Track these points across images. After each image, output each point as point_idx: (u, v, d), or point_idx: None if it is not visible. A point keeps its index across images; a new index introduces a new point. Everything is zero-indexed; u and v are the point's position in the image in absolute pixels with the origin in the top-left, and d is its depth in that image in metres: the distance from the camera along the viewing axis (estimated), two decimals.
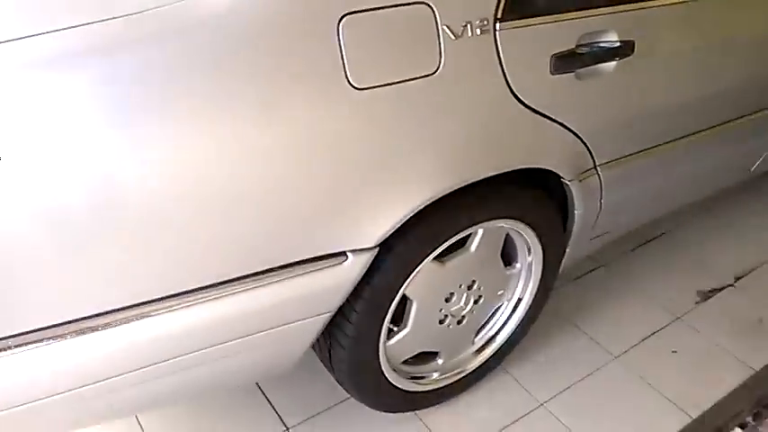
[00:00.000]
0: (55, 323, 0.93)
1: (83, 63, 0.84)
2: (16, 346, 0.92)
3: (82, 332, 0.95)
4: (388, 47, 1.00)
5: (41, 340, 0.93)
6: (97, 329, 0.96)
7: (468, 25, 1.07)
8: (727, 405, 1.60)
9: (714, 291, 1.94)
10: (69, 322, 0.94)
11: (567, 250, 1.56)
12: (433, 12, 1.02)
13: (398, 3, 0.99)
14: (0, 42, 0.81)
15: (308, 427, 1.49)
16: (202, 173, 0.93)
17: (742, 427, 1.55)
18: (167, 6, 0.89)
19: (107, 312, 0.96)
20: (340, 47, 0.96)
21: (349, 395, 1.48)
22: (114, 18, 0.86)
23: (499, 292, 1.50)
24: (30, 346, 0.92)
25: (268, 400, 1.54)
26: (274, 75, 0.95)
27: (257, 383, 1.58)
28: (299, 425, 1.49)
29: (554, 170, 1.29)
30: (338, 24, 0.95)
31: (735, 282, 1.98)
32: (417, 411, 1.53)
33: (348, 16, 0.96)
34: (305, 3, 0.93)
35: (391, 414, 1.50)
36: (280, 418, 1.50)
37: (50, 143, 0.84)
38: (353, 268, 1.12)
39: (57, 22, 0.84)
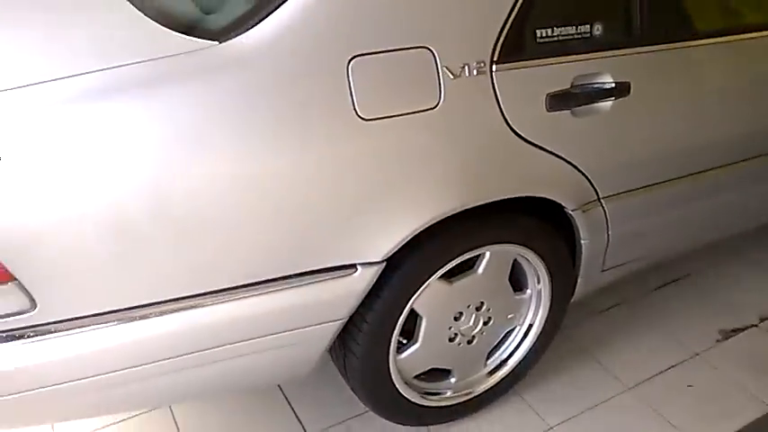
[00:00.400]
0: (114, 309, 1.11)
1: (152, 93, 1.05)
2: (80, 328, 1.10)
3: (135, 318, 1.12)
4: (392, 84, 1.16)
5: (106, 322, 1.11)
6: (149, 317, 1.12)
7: (466, 66, 1.21)
8: None
9: (737, 330, 1.96)
10: (127, 309, 1.12)
11: (579, 280, 1.65)
12: (434, 54, 1.18)
13: (402, 47, 1.16)
14: (91, 72, 1.04)
15: None
16: (241, 192, 1.11)
17: None
18: (209, 49, 1.09)
19: (157, 303, 1.13)
20: (349, 83, 1.12)
21: (366, 408, 1.59)
22: (174, 55, 1.08)
23: (509, 316, 1.60)
24: (95, 327, 1.10)
25: (292, 408, 1.67)
26: (295, 108, 1.12)
27: (283, 394, 1.71)
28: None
29: (554, 199, 1.40)
30: (348, 65, 1.12)
31: (759, 323, 1.98)
32: (429, 427, 1.62)
33: (357, 58, 1.12)
34: (319, 47, 1.11)
35: (403, 427, 1.60)
36: (301, 425, 1.63)
37: (124, 156, 1.03)
38: (362, 280, 1.26)
39: (142, 54, 1.07)
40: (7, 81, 1.03)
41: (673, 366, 1.82)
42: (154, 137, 1.06)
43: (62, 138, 1.01)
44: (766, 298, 2.07)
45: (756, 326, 1.98)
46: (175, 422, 1.64)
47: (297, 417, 1.65)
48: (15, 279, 1.04)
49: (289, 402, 1.69)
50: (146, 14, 1.22)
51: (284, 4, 1.11)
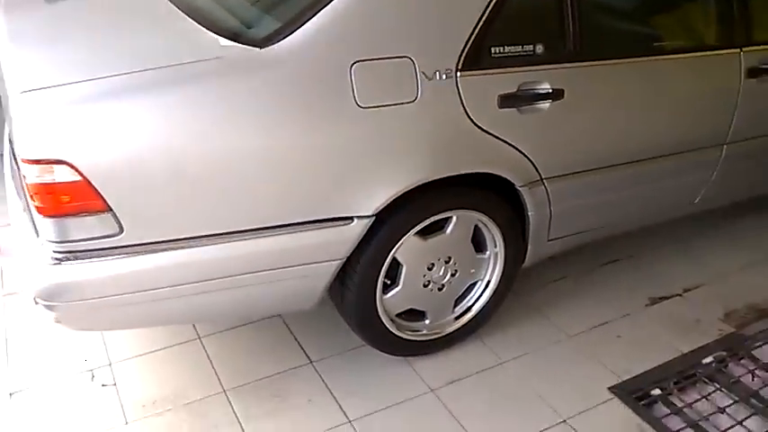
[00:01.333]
0: (176, 238, 1.54)
1: (213, 82, 1.50)
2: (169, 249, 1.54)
3: (191, 246, 1.55)
4: (382, 82, 1.61)
5: (170, 248, 1.54)
6: (200, 245, 1.56)
7: (438, 72, 1.66)
8: (653, 374, 2.03)
9: (663, 298, 2.38)
10: (185, 239, 1.55)
11: (529, 247, 2.08)
12: (413, 62, 1.63)
13: (390, 56, 1.61)
14: (170, 66, 1.49)
15: (326, 364, 2.02)
16: (271, 157, 1.56)
17: (661, 389, 1.97)
18: (254, 53, 1.54)
19: (207, 236, 1.56)
20: (351, 81, 1.57)
21: (361, 341, 2.01)
22: (229, 56, 1.53)
23: (471, 271, 2.02)
24: (163, 250, 1.53)
25: (298, 341, 2.10)
26: (311, 98, 1.57)
27: (290, 330, 2.14)
28: (320, 361, 2.03)
29: (504, 176, 1.84)
30: (350, 68, 1.57)
31: (683, 293, 2.41)
32: (408, 357, 2.04)
33: (357, 63, 1.57)
34: (330, 54, 1.56)
35: (389, 356, 2.02)
36: (306, 354, 2.05)
37: (190, 126, 1.48)
38: (357, 228, 1.69)
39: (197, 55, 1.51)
40: (118, 69, 1.48)
41: (606, 322, 2.24)
42: (210, 114, 1.51)
43: (153, 109, 1.46)
44: (691, 273, 2.50)
45: (680, 295, 2.40)
46: (205, 351, 2.06)
47: (302, 347, 2.07)
48: (111, 210, 1.47)
49: (295, 337, 2.11)
50: (205, 27, 1.68)
51: (306, 23, 1.57)
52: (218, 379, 1.96)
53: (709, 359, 2.11)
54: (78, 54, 1.65)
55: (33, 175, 1.42)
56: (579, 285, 2.43)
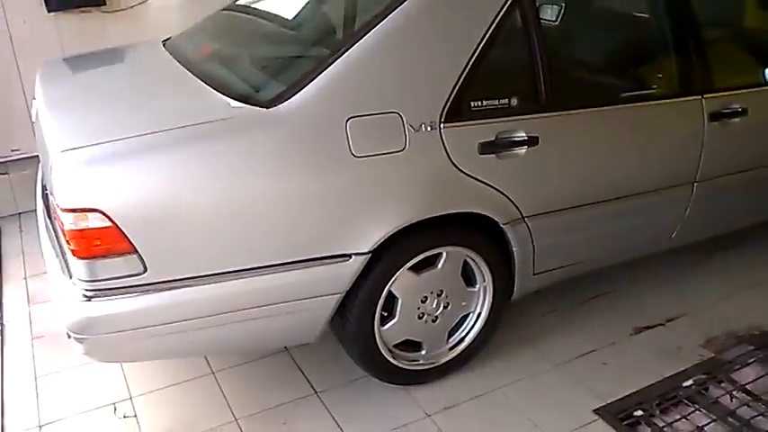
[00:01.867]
0: (192, 276, 1.73)
1: (227, 137, 1.73)
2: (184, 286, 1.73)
3: (207, 283, 1.74)
4: (374, 135, 1.83)
5: (187, 285, 1.73)
6: (215, 282, 1.75)
7: (423, 125, 1.88)
8: (637, 396, 2.16)
9: (647, 327, 2.53)
10: (201, 276, 1.74)
11: (516, 280, 2.25)
12: (401, 117, 1.85)
13: (381, 112, 1.83)
14: (192, 125, 1.72)
15: (330, 394, 2.17)
16: (279, 203, 1.77)
17: (644, 410, 2.11)
18: (261, 112, 1.76)
19: (221, 273, 1.75)
20: (347, 134, 1.79)
21: (362, 371, 2.17)
22: (241, 116, 1.75)
23: (463, 303, 2.19)
24: (181, 287, 1.72)
25: (302, 372, 2.26)
26: (312, 150, 1.79)
27: (295, 363, 2.30)
28: (324, 391, 2.18)
29: (488, 215, 2.03)
30: (346, 123, 1.79)
31: (666, 322, 2.56)
32: (406, 387, 2.19)
33: (352, 119, 1.79)
34: (328, 112, 1.79)
35: (388, 384, 2.17)
36: (310, 383, 2.21)
37: (207, 176, 1.69)
38: (354, 264, 1.88)
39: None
40: (142, 129, 1.71)
41: (593, 351, 2.39)
42: (224, 166, 1.73)
43: (173, 163, 1.68)
44: (674, 304, 2.65)
45: (663, 324, 2.55)
46: (218, 384, 2.22)
47: (307, 379, 2.23)
48: (137, 251, 1.67)
49: (301, 370, 2.28)
50: (220, 91, 1.92)
51: (307, 86, 1.80)
52: (230, 409, 2.12)
53: (689, 382, 2.24)
54: (106, 118, 1.89)
55: (69, 221, 1.63)
56: (568, 318, 2.59)
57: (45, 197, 2.21)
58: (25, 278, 2.89)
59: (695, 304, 2.67)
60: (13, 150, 3.49)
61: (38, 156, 2.30)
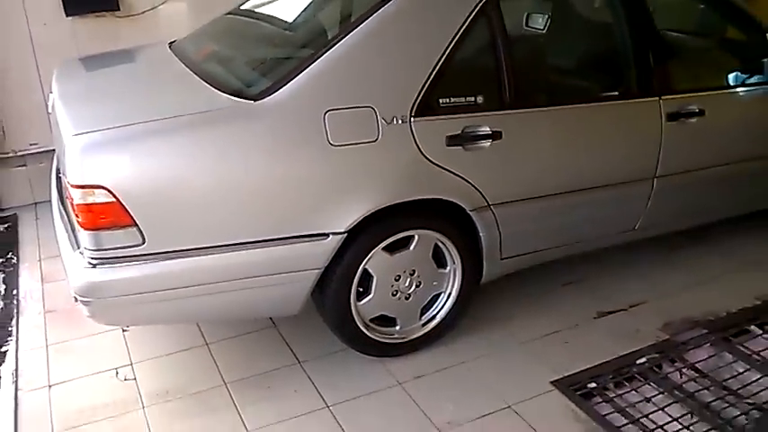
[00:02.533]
0: (186, 248, 1.96)
1: (219, 126, 1.97)
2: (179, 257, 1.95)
3: (198, 254, 1.96)
4: (349, 126, 2.05)
5: (182, 256, 1.96)
6: (206, 254, 1.97)
7: (395, 118, 2.10)
8: (592, 371, 2.36)
9: (610, 312, 2.72)
10: (193, 249, 1.96)
11: (484, 264, 2.45)
12: (375, 111, 2.07)
13: (356, 105, 2.05)
14: (189, 114, 1.94)
15: (311, 363, 2.39)
16: (265, 185, 1.99)
17: (597, 383, 2.30)
18: (250, 104, 1.99)
19: (211, 246, 1.97)
20: (325, 125, 2.01)
21: (341, 344, 2.38)
22: (232, 106, 1.99)
23: (434, 283, 2.40)
24: (176, 258, 1.95)
25: (288, 344, 2.47)
26: (294, 138, 2.01)
27: (281, 335, 2.52)
28: (306, 361, 2.40)
29: (455, 201, 2.24)
30: (324, 115, 2.01)
31: (628, 308, 2.75)
32: (382, 359, 2.40)
33: (329, 111, 2.02)
34: (308, 105, 2.01)
35: (364, 356, 2.39)
36: (294, 354, 2.42)
37: (199, 158, 1.92)
38: (332, 243, 2.10)
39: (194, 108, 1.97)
40: (144, 117, 1.94)
41: (557, 331, 2.59)
42: (216, 151, 1.96)
43: (171, 147, 1.92)
44: (637, 292, 2.84)
45: (626, 310, 2.74)
46: (211, 354, 2.45)
47: (291, 350, 2.45)
48: (137, 224, 1.90)
49: (287, 342, 2.50)
50: (215, 87, 2.15)
51: (290, 82, 2.03)
52: (221, 374, 2.34)
53: (642, 360, 2.43)
54: (113, 108, 2.14)
55: (78, 196, 1.87)
56: (537, 302, 2.78)
57: (59, 181, 2.46)
58: (39, 260, 3.13)
59: (657, 293, 2.86)
60: (31, 144, 3.75)
61: (53, 149, 2.56)
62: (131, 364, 2.40)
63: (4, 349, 2.48)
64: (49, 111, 2.46)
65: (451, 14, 2.20)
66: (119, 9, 3.76)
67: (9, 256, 3.18)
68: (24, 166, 3.78)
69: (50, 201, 2.51)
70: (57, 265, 3.00)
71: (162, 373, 2.36)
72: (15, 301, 2.79)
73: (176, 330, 2.57)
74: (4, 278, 2.97)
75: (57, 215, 2.34)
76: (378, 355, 2.41)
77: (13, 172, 3.78)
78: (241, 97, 2.06)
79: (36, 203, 3.74)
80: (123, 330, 2.57)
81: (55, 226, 2.30)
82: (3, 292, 2.86)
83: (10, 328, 2.60)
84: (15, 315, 2.69)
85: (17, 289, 2.89)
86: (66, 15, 3.64)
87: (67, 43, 3.66)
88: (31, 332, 2.59)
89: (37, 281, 2.96)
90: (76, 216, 1.92)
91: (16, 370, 2.37)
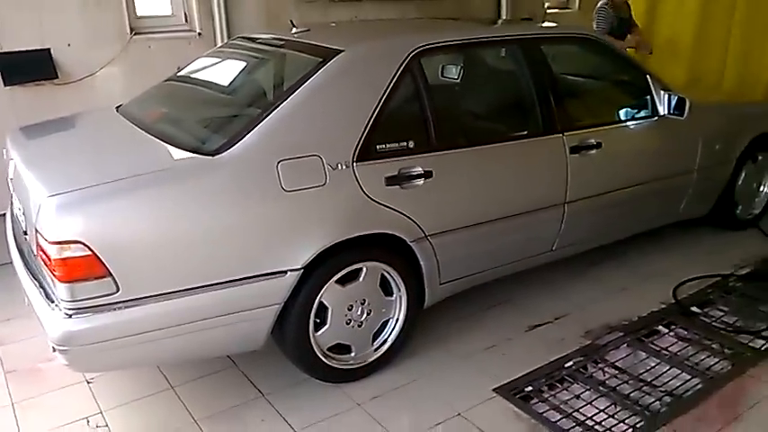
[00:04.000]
0: (155, 294, 2.13)
1: (180, 181, 2.17)
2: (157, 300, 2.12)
3: (167, 299, 2.14)
4: (300, 173, 2.31)
5: (151, 301, 2.12)
6: (173, 298, 2.15)
7: (339, 164, 2.38)
8: (528, 377, 2.65)
9: (538, 325, 3.06)
10: (161, 294, 2.14)
11: (426, 290, 2.73)
12: (321, 159, 2.34)
13: (304, 155, 2.32)
14: (152, 172, 2.14)
15: (274, 395, 2.56)
16: (224, 232, 2.20)
17: (533, 387, 2.59)
18: (207, 159, 2.22)
19: (178, 291, 2.16)
20: (278, 173, 2.26)
21: (301, 374, 2.57)
22: (191, 163, 2.20)
23: (383, 310, 2.65)
24: (146, 303, 2.11)
25: (250, 380, 2.64)
26: (251, 188, 2.25)
27: (240, 371, 2.68)
28: (269, 393, 2.57)
29: (397, 234, 2.52)
30: (277, 165, 2.26)
31: (553, 320, 3.09)
32: (340, 384, 2.61)
33: (282, 161, 2.27)
34: (261, 157, 2.26)
35: (324, 383, 2.59)
36: (257, 388, 2.59)
37: (164, 212, 2.12)
38: (290, 279, 2.33)
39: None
40: (111, 176, 2.13)
41: (493, 345, 2.89)
42: (179, 204, 2.17)
43: (138, 203, 2.11)
44: (560, 306, 3.20)
45: (551, 322, 3.08)
46: (177, 395, 2.58)
47: (254, 385, 2.62)
48: (112, 275, 2.06)
49: (249, 379, 2.67)
50: (172, 145, 2.36)
51: (244, 138, 2.28)
52: (190, 413, 2.48)
53: (570, 363, 2.76)
54: (79, 169, 2.32)
55: (54, 252, 2.02)
56: (474, 321, 3.09)
57: (19, 243, 2.57)
58: None
59: (578, 305, 3.22)
60: None
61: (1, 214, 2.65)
62: (101, 412, 2.49)
63: None
64: (10, 177, 2.59)
65: (381, 73, 2.54)
66: (57, 77, 3.90)
67: None
68: None
69: (11, 262, 2.61)
70: (11, 328, 3.10)
71: (133, 418, 2.47)
72: None
73: (141, 377, 2.69)
74: None
75: (22, 275, 2.44)
76: (337, 382, 2.62)
77: None
78: (199, 153, 2.29)
79: None
80: (88, 382, 2.66)
81: (22, 284, 2.40)
82: None
83: None
84: None
85: None
86: (5, 85, 3.75)
87: (6, 113, 3.72)
88: None
89: None
90: (52, 271, 2.06)
91: None
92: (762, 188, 4.11)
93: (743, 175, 3.90)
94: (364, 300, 2.58)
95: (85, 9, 3.95)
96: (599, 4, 5.36)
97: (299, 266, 2.32)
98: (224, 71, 3.21)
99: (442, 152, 2.63)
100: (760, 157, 3.98)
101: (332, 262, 2.43)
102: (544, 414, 2.45)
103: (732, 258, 3.69)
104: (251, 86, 3.01)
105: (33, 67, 3.83)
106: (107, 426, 2.42)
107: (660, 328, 3.02)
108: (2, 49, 3.69)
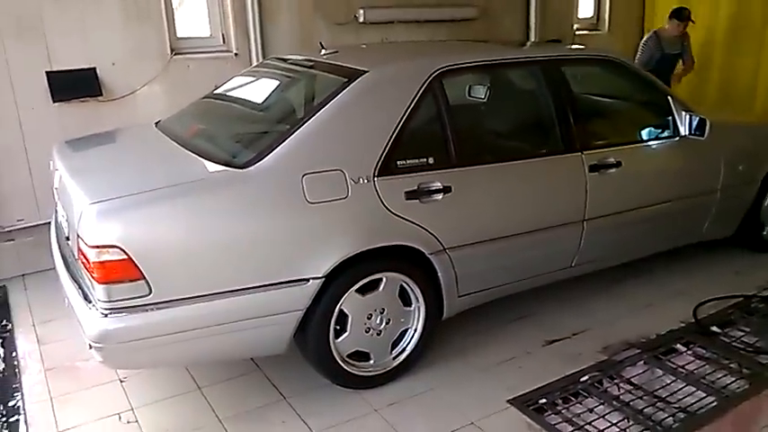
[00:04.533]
0: (186, 297, 2.27)
1: (213, 191, 2.32)
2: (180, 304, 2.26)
3: (196, 302, 2.27)
4: (324, 186, 2.43)
5: (183, 303, 2.26)
6: (203, 301, 2.28)
7: (361, 178, 2.50)
8: (543, 389, 2.70)
9: (556, 340, 3.10)
10: (191, 297, 2.27)
11: (444, 302, 2.82)
12: (344, 174, 2.47)
13: (329, 169, 2.45)
14: (190, 182, 2.30)
15: (295, 398, 2.67)
16: (253, 240, 2.34)
17: (547, 399, 2.64)
18: (238, 172, 2.36)
19: (209, 294, 2.29)
20: (303, 186, 2.39)
21: (322, 380, 2.68)
22: (224, 174, 2.35)
23: (402, 320, 2.74)
24: (179, 305, 2.25)
25: (273, 383, 2.75)
26: (277, 199, 2.38)
27: (264, 375, 2.80)
28: (291, 396, 2.68)
29: (416, 246, 2.62)
30: (302, 178, 2.39)
31: (572, 336, 3.13)
32: (359, 390, 2.70)
33: (306, 175, 2.40)
34: (288, 171, 2.40)
35: (344, 388, 2.68)
36: (279, 391, 2.70)
37: (199, 218, 2.26)
38: (312, 287, 2.44)
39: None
40: (150, 186, 2.29)
41: (512, 358, 2.94)
42: (212, 212, 2.31)
43: (174, 211, 2.26)
44: (579, 321, 3.24)
45: (569, 337, 3.13)
46: (204, 396, 2.70)
47: (276, 388, 2.74)
48: (145, 278, 2.21)
49: (272, 382, 2.78)
50: (205, 158, 2.52)
51: (271, 153, 2.42)
52: (215, 413, 2.60)
53: (585, 377, 2.80)
54: (119, 179, 2.48)
55: (94, 255, 2.18)
56: (493, 334, 3.15)
57: (62, 248, 2.75)
58: (33, 325, 3.35)
59: (598, 321, 3.26)
60: (18, 220, 4.01)
61: (42, 223, 2.82)
62: (132, 409, 2.63)
63: (12, 403, 2.69)
64: (55, 186, 2.78)
65: (404, 92, 2.66)
66: (101, 94, 4.14)
67: (4, 323, 3.39)
68: (12, 240, 4.02)
69: (54, 267, 2.79)
70: (51, 328, 3.28)
71: (161, 415, 2.61)
72: (16, 362, 3.00)
73: (170, 378, 2.83)
74: (2, 342, 3.18)
75: (64, 278, 2.61)
76: (356, 388, 2.71)
77: (2, 246, 4.02)
78: (230, 166, 2.44)
79: (24, 275, 3.97)
80: (121, 381, 2.82)
81: (63, 287, 2.57)
82: (2, 355, 3.07)
83: (15, 385, 2.81)
84: (18, 374, 2.91)
85: (15, 351, 3.10)
86: (53, 101, 3.99)
87: (53, 127, 3.96)
88: (35, 387, 2.81)
89: (33, 343, 3.18)
90: (91, 273, 2.22)
91: (26, 420, 2.58)
92: None
93: None
94: (383, 309, 2.68)
95: (129, 31, 4.19)
96: (645, 36, 5.57)
97: (320, 275, 2.44)
98: (256, 90, 3.38)
99: (461, 168, 2.72)
100: None
101: (352, 272, 2.54)
102: (556, 425, 2.50)
103: (757, 280, 3.68)
104: (281, 104, 3.17)
105: (80, 84, 4.06)
106: (137, 421, 2.56)
107: (678, 346, 3.04)
108: (51, 67, 3.94)
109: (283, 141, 2.46)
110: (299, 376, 2.78)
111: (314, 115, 2.54)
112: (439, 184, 2.65)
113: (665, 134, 3.40)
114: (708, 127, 3.24)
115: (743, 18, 5.92)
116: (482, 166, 2.80)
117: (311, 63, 3.14)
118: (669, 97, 3.41)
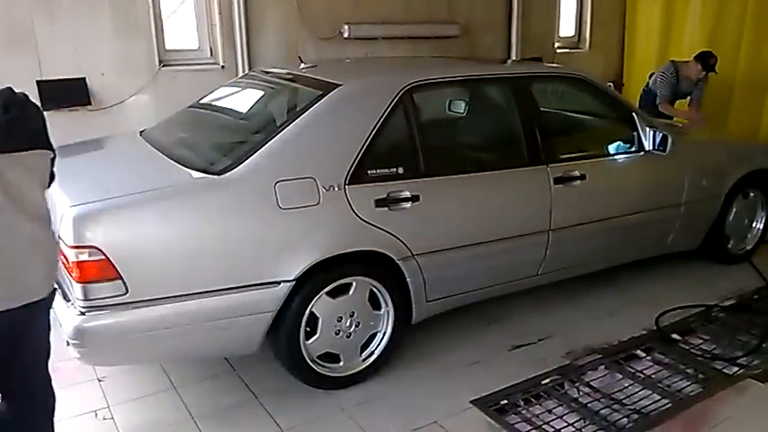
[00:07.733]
0: (161, 297, 2.38)
1: (188, 197, 2.43)
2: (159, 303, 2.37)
3: (170, 301, 2.38)
4: (295, 194, 2.55)
5: (158, 303, 2.37)
6: (177, 301, 2.39)
7: (332, 186, 2.62)
8: (505, 391, 2.81)
9: (522, 345, 3.22)
10: (165, 297, 2.38)
11: (413, 306, 2.93)
12: (316, 181, 2.59)
13: (300, 177, 2.57)
14: (163, 187, 2.42)
15: (266, 397, 2.77)
16: (225, 244, 2.46)
17: (509, 400, 2.75)
18: (214, 178, 2.48)
19: (182, 295, 2.40)
20: (275, 192, 2.51)
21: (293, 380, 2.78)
22: (200, 181, 2.47)
23: (371, 323, 2.85)
24: (153, 304, 2.36)
25: (246, 384, 2.85)
26: (251, 205, 2.50)
27: (238, 375, 2.90)
28: (261, 395, 2.78)
29: (384, 252, 2.74)
30: (275, 185, 2.51)
31: (537, 341, 3.25)
32: (329, 391, 2.80)
33: (279, 182, 2.52)
34: (261, 177, 2.52)
35: (314, 388, 2.79)
36: (251, 391, 2.81)
37: (173, 223, 2.38)
38: (283, 289, 2.56)
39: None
40: (126, 191, 2.40)
41: (478, 361, 3.06)
42: (187, 217, 2.43)
43: (149, 214, 2.38)
44: (546, 327, 3.36)
45: (535, 342, 3.24)
46: (179, 394, 2.80)
47: (249, 388, 2.84)
48: (122, 277, 2.32)
49: (245, 383, 2.88)
50: (185, 165, 2.64)
51: (246, 160, 2.54)
52: (188, 411, 2.70)
53: (547, 380, 2.92)
54: (100, 184, 2.60)
55: (73, 255, 2.29)
56: (460, 339, 3.26)
57: None
58: None
59: (563, 327, 3.38)
60: None
61: None
62: (108, 407, 2.73)
63: None
64: None
65: (375, 105, 2.80)
66: (90, 104, 4.27)
67: None
68: None
69: None
70: None
71: (137, 413, 2.70)
72: None
73: (147, 377, 2.92)
74: None
75: None
76: (326, 388, 2.82)
77: None
78: (207, 173, 2.56)
79: None
80: (99, 380, 2.91)
81: None
82: None
83: None
84: None
85: None
86: (43, 110, 4.09)
87: None
88: None
89: None
90: (70, 272, 2.33)
91: None
92: (754, 224, 4.24)
93: (733, 210, 4.04)
94: (353, 312, 2.79)
95: (119, 42, 4.33)
96: (663, 66, 5.35)
97: (291, 278, 2.55)
98: (238, 100, 3.52)
99: (430, 178, 2.86)
100: (752, 194, 4.12)
101: (322, 275, 2.66)
102: (515, 425, 2.61)
103: (720, 290, 3.81)
104: (260, 115, 3.30)
105: (70, 93, 4.21)
106: (113, 418, 2.66)
107: (638, 352, 3.16)
108: (42, 77, 4.07)
109: (258, 150, 2.59)
110: (271, 377, 2.88)
111: (288, 125, 2.67)
112: (408, 193, 2.78)
113: (630, 149, 3.55)
114: (670, 143, 3.39)
115: None
116: (450, 176, 2.93)
117: (291, 76, 3.28)
118: (634, 113, 3.56)
